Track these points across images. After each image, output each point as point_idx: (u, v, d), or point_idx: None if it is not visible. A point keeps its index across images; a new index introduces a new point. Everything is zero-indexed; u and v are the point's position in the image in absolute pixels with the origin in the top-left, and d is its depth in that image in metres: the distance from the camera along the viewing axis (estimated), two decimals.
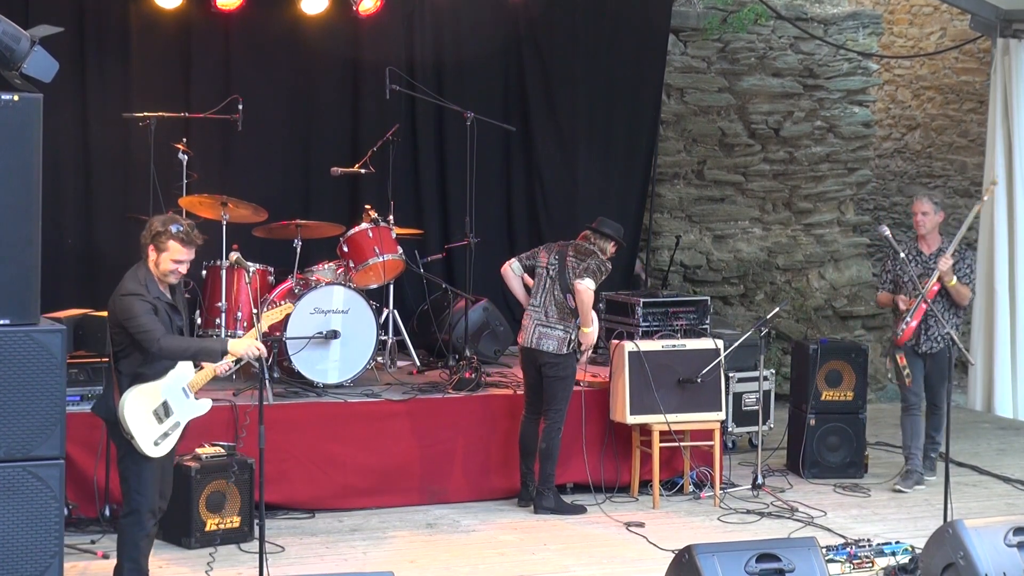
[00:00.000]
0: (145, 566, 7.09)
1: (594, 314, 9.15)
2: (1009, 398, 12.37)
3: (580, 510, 9.13)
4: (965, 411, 12.42)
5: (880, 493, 9.72)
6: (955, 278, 9.46)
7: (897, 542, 8.17)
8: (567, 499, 9.25)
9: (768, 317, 9.90)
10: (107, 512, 8.27)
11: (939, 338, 9.55)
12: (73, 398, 8.12)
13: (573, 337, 9.06)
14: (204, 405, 7.17)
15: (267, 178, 10.93)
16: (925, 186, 15.12)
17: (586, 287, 8.96)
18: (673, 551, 7.18)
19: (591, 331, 9.11)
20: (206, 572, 7.64)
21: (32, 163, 6.03)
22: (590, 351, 9.29)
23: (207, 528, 8.19)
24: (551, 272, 9.11)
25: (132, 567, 7.02)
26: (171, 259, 6.91)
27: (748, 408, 10.44)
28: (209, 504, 8.21)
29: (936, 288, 9.47)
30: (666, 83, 12.87)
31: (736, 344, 9.83)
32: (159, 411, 6.94)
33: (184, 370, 7.07)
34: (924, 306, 9.44)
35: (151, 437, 6.90)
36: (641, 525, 8.82)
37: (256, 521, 7.75)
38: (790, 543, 6.78)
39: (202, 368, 7.14)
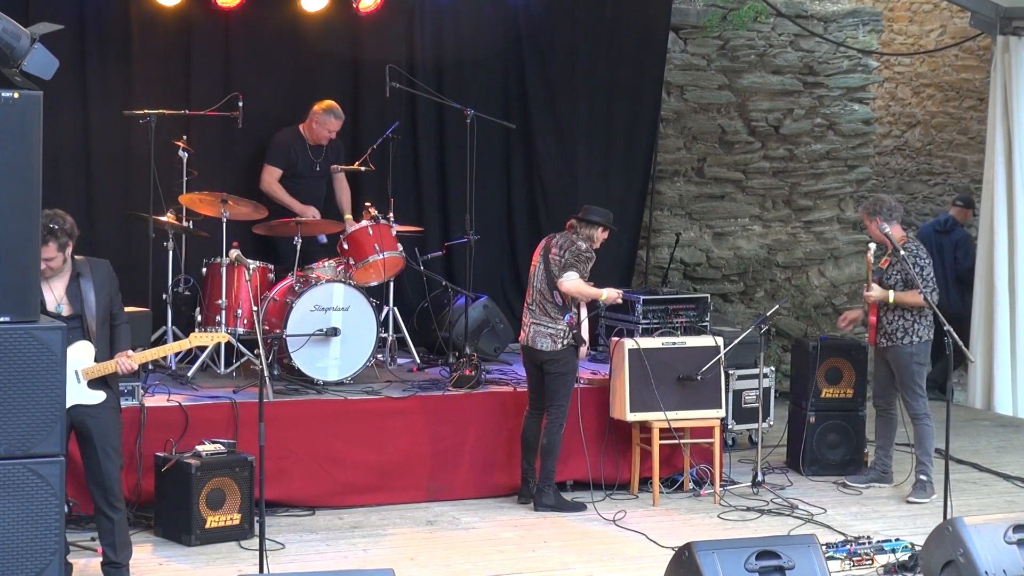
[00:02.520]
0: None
1: (589, 286, 9.12)
2: (1009, 395, 12.37)
3: (580, 507, 9.13)
4: (965, 408, 12.43)
5: (880, 490, 9.73)
6: (891, 294, 9.40)
7: (897, 539, 8.18)
8: (567, 496, 9.25)
9: (768, 314, 9.92)
10: None
11: (888, 334, 9.48)
12: None
13: (566, 332, 9.03)
14: (95, 396, 7.25)
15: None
16: (925, 183, 15.14)
17: (569, 280, 8.97)
18: (673, 548, 7.17)
19: (605, 294, 9.11)
20: None
21: (32, 160, 6.02)
22: (619, 299, 9.29)
23: (207, 525, 8.20)
24: (539, 269, 9.11)
25: None
26: None
27: (748, 405, 10.44)
28: (209, 501, 8.21)
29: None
30: (666, 81, 12.87)
31: (736, 341, 9.83)
32: None
33: (82, 354, 7.21)
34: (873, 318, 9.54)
35: None
36: (623, 513, 8.83)
37: (256, 518, 7.75)
38: (790, 540, 6.80)
39: (105, 362, 7.27)
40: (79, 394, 7.21)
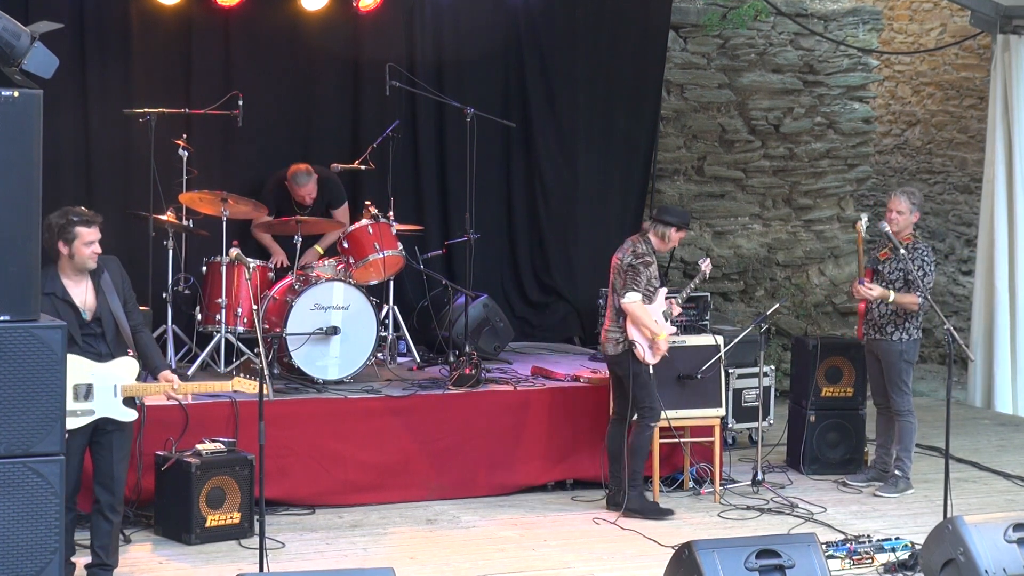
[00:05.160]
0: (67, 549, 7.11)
1: (660, 315, 8.91)
2: (1009, 394, 12.38)
3: (668, 513, 8.95)
4: (965, 407, 12.43)
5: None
6: (891, 294, 9.35)
7: (897, 538, 8.18)
8: (567, 495, 9.24)
9: (768, 313, 9.92)
10: None
11: (879, 327, 9.49)
12: None
13: (624, 337, 8.87)
14: (128, 414, 7.21)
15: (267, 174, 10.93)
16: (925, 182, 15.13)
17: (630, 301, 8.78)
18: (673, 547, 7.18)
19: (664, 338, 8.84)
20: None
21: (32, 159, 6.03)
22: (662, 354, 8.91)
23: (207, 524, 8.19)
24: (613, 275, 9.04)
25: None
26: (82, 244, 7.10)
27: (748, 404, 10.44)
28: (209, 500, 8.21)
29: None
30: (666, 79, 12.87)
31: (736, 340, 9.83)
32: (79, 389, 7.01)
33: (125, 369, 7.18)
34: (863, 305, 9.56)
35: None
36: (613, 522, 8.78)
37: (256, 517, 7.75)
38: (790, 539, 6.80)
39: (149, 382, 7.28)
40: (113, 408, 7.16)
